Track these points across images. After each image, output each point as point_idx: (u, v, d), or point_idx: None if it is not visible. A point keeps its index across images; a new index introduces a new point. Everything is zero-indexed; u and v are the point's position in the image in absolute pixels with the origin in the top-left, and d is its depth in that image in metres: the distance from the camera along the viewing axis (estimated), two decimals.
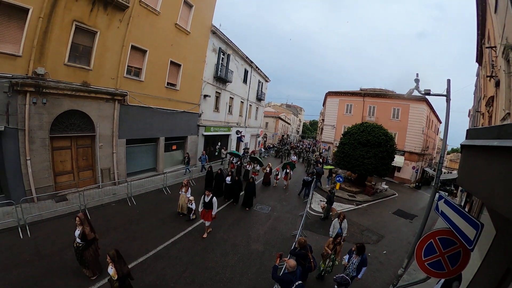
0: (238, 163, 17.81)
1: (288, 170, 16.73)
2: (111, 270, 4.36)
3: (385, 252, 9.57)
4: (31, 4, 8.08)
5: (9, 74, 7.98)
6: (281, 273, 5.36)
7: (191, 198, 9.55)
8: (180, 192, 10.00)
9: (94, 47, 10.31)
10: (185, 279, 6.44)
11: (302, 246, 6.27)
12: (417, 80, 5.72)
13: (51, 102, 9.21)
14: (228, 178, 12.47)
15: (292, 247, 7.04)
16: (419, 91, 5.79)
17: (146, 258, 7.06)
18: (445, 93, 5.44)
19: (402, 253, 9.66)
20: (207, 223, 8.48)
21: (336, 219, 8.44)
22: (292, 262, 5.00)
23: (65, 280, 5.74)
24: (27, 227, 7.48)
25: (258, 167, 17.00)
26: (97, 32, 10.26)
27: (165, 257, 7.19)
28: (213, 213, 8.27)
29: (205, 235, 8.51)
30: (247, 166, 17.36)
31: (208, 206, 8.27)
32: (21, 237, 7.19)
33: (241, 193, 12.53)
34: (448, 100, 5.47)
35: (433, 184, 5.17)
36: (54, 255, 6.56)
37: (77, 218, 5.58)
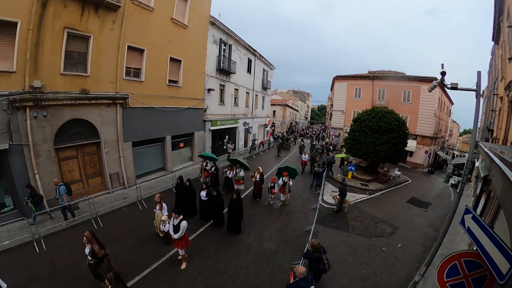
0: (213, 169, 13.30)
1: (285, 179, 11.71)
2: None
3: (400, 245, 9.34)
4: (19, 17, 7.84)
5: (6, 91, 7.92)
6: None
7: (164, 218, 7.73)
8: (154, 210, 8.38)
9: (89, 53, 10.03)
10: (198, 284, 6.46)
11: (315, 249, 6.16)
12: (443, 73, 5.04)
13: (52, 114, 9.15)
14: (203, 193, 9.57)
15: (305, 250, 6.91)
16: (446, 85, 5.11)
17: (158, 264, 7.10)
18: (474, 87, 4.82)
19: (417, 246, 9.44)
20: (181, 251, 7.02)
21: None
22: (301, 269, 4.94)
23: None
24: (42, 241, 7.63)
25: (242, 173, 12.46)
26: (90, 36, 9.95)
27: (177, 262, 7.18)
28: (176, 236, 6.70)
29: (183, 266, 7.09)
30: (227, 172, 12.82)
31: (178, 230, 6.78)
32: (37, 251, 7.35)
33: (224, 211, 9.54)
34: (478, 96, 4.84)
35: (458, 191, 4.73)
36: (70, 267, 6.69)
37: (84, 237, 5.56)
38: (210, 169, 13.32)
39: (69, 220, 8.97)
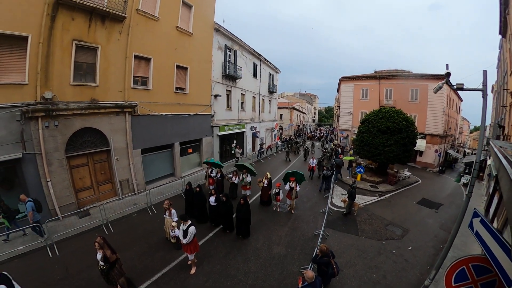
0: (219, 175, 13.01)
1: (292, 184, 11.41)
2: None
3: (410, 248, 9.15)
4: (29, 31, 8.17)
5: (18, 103, 8.23)
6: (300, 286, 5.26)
7: (174, 224, 7.81)
8: (164, 216, 8.65)
9: (97, 63, 10.31)
10: None
11: (324, 254, 6.13)
12: (448, 74, 4.94)
13: (63, 123, 9.42)
14: (212, 199, 9.60)
15: (314, 255, 6.87)
16: (451, 86, 5.04)
17: (168, 269, 7.17)
18: (480, 87, 4.68)
19: (428, 248, 9.22)
20: (190, 256, 7.05)
21: None
22: (310, 273, 4.93)
23: None
24: (55, 246, 7.83)
25: (249, 178, 12.27)
26: (98, 47, 10.23)
27: (187, 267, 7.24)
28: (184, 241, 6.78)
29: (193, 271, 7.15)
30: (233, 178, 12.60)
31: (186, 235, 6.88)
32: (50, 256, 7.54)
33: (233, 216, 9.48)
34: (484, 96, 4.73)
35: (467, 193, 4.59)
36: (82, 272, 6.82)
37: (96, 243, 5.66)
38: (215, 176, 12.96)
39: (43, 238, 7.93)
